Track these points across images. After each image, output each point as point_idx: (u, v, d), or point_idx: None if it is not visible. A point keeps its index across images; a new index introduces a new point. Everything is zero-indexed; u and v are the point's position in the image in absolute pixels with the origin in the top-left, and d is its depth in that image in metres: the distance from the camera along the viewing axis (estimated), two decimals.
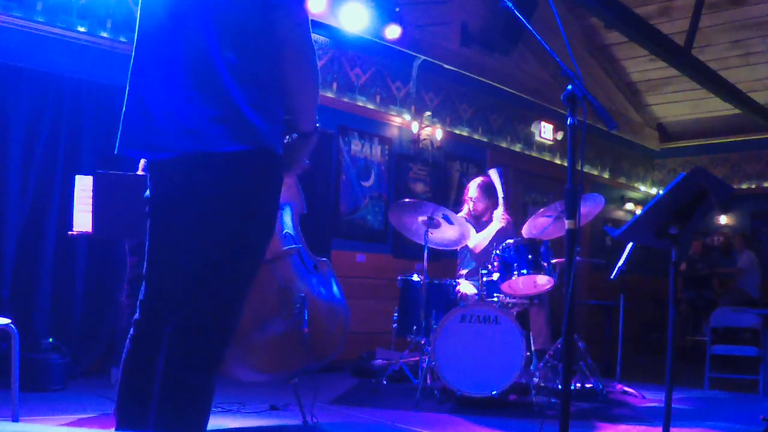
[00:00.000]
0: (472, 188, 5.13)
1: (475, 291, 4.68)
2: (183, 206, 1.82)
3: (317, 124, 1.95)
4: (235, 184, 1.75)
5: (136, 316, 1.94)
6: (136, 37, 1.88)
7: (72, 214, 3.91)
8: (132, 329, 1.93)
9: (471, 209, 5.10)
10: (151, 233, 1.93)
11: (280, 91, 1.83)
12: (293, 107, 1.87)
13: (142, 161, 3.76)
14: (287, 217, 3.41)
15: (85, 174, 4.01)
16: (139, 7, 1.90)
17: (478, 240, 4.89)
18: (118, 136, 1.85)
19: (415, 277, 4.74)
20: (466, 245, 4.88)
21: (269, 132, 1.77)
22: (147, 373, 1.82)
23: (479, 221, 5.08)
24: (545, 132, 8.88)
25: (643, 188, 11.16)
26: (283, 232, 3.35)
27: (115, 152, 1.87)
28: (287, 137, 1.93)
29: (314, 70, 1.83)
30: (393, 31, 6.23)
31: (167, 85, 1.76)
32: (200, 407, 1.80)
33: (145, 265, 1.94)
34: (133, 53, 1.86)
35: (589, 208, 4.57)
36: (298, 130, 1.93)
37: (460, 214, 5.11)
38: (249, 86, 1.75)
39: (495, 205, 5.03)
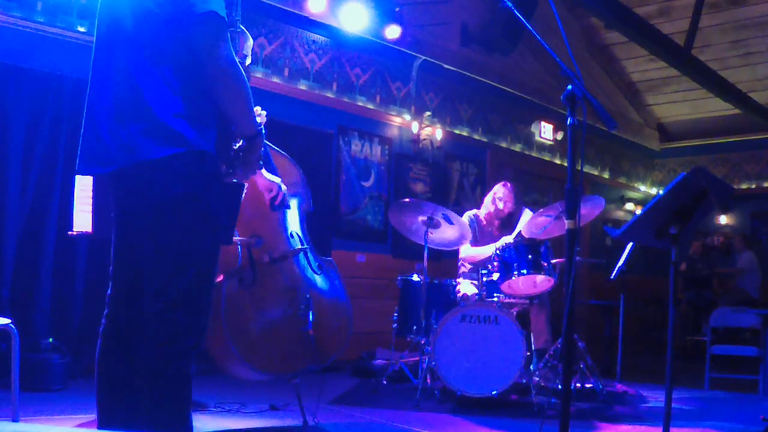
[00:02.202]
0: (504, 190, 5.06)
1: (475, 291, 4.67)
2: (132, 211, 2.01)
3: (260, 127, 2.09)
4: (171, 184, 1.92)
5: (106, 310, 2.10)
6: (91, 62, 2.05)
7: (72, 214, 3.91)
8: (102, 323, 2.09)
9: (496, 208, 5.06)
10: (114, 235, 2.10)
11: (209, 102, 1.97)
12: (228, 116, 2.01)
13: None
14: (293, 217, 3.42)
15: None
16: (95, 35, 2.06)
17: (474, 253, 4.91)
18: (78, 155, 2.03)
19: (415, 277, 4.73)
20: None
21: (197, 136, 1.92)
22: (120, 363, 2.01)
23: (494, 223, 5.05)
24: (545, 132, 8.89)
25: (643, 188, 11.17)
26: (289, 232, 3.35)
27: (76, 170, 2.06)
28: (236, 143, 2.09)
29: (237, 81, 1.95)
30: (393, 31, 6.23)
31: (108, 107, 1.95)
32: (178, 399, 1.94)
33: (111, 263, 2.09)
34: (90, 76, 2.03)
35: (589, 209, 4.57)
36: (242, 135, 2.07)
37: (478, 211, 5.12)
38: (176, 100, 1.90)
39: (518, 213, 5.03)
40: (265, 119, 2.28)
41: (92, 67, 2.03)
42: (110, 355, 2.05)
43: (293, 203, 3.41)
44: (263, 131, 2.11)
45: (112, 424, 1.96)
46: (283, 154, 3.45)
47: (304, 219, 3.50)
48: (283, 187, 3.18)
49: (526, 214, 4.72)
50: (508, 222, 5.08)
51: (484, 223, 5.09)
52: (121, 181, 2.01)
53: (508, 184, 5.14)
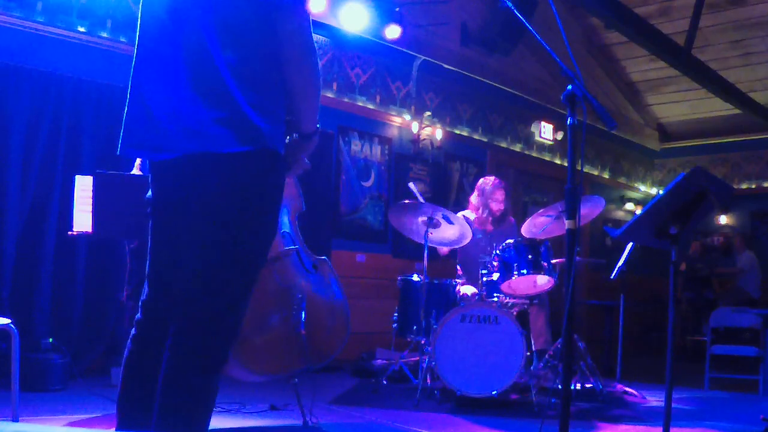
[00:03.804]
0: (498, 191, 5.05)
1: (475, 291, 4.68)
2: (186, 206, 1.83)
3: (318, 125, 1.96)
4: (239, 184, 1.77)
5: (138, 316, 1.94)
6: (137, 37, 1.89)
7: (72, 214, 3.91)
8: (134, 329, 1.94)
9: (495, 209, 5.04)
10: (154, 233, 1.94)
11: (281, 92, 1.84)
12: (294, 108, 1.88)
13: (138, 161, 3.76)
14: (285, 217, 3.41)
15: (85, 174, 4.00)
16: (140, 8, 1.90)
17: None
18: (121, 136, 1.86)
19: (415, 277, 4.74)
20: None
21: (271, 133, 1.78)
22: (149, 373, 1.83)
23: (487, 222, 5.06)
24: (545, 132, 8.88)
25: (643, 188, 11.16)
26: (281, 232, 3.34)
27: (118, 152, 1.88)
28: (288, 137, 1.94)
29: (315, 71, 1.84)
30: (393, 31, 6.23)
31: (170, 87, 1.77)
32: (202, 408, 1.80)
33: (147, 266, 1.95)
34: (135, 53, 1.87)
35: (589, 209, 4.58)
36: (299, 131, 1.94)
37: (469, 210, 5.13)
38: (251, 87, 1.76)
39: (509, 207, 5.06)
40: None
41: (143, 46, 1.86)
42: (141, 363, 1.90)
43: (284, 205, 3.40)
44: (320, 130, 1.98)
45: (133, 428, 1.88)
46: None
47: (297, 219, 3.49)
48: None
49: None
50: (501, 219, 5.09)
51: (476, 224, 5.09)
52: (176, 171, 1.83)
53: (497, 181, 5.12)
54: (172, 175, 1.87)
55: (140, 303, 1.95)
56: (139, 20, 1.91)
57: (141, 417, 1.85)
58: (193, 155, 1.76)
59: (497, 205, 5.04)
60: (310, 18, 1.80)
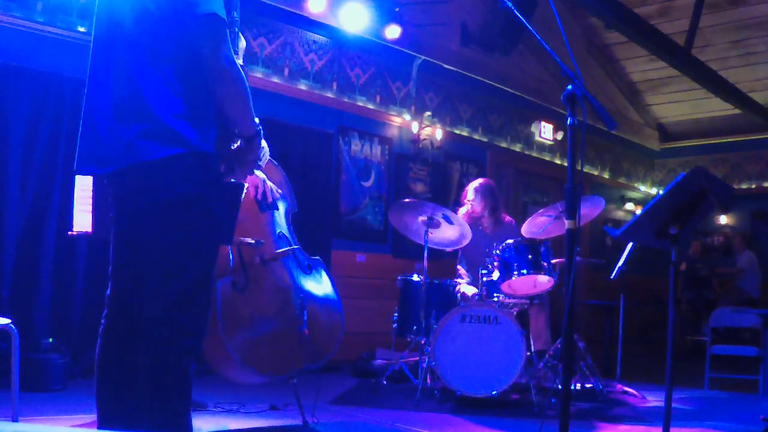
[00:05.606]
0: (470, 191, 5.12)
1: (475, 291, 4.68)
2: (131, 212, 2.01)
3: (259, 128, 2.09)
4: (171, 184, 1.93)
5: (105, 310, 2.10)
6: (89, 59, 2.05)
7: (72, 214, 3.91)
8: (102, 323, 2.10)
9: (470, 211, 5.11)
10: (113, 235, 2.10)
11: (210, 102, 1.98)
12: (227, 116, 2.02)
13: None
14: (280, 217, 3.41)
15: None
16: (92, 32, 2.06)
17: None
18: (76, 155, 2.03)
19: (415, 277, 4.74)
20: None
21: (198, 137, 1.93)
22: (119, 364, 2.01)
23: (477, 223, 5.08)
24: (545, 132, 8.88)
25: (643, 188, 11.17)
26: (277, 233, 3.33)
27: (74, 169, 2.06)
28: (234, 143, 2.09)
29: (237, 80, 1.96)
30: (393, 31, 6.23)
31: (106, 106, 1.95)
32: (180, 398, 1.95)
33: (110, 263, 2.09)
34: (87, 76, 2.04)
35: (589, 209, 4.58)
36: (240, 135, 2.08)
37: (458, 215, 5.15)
38: (177, 101, 1.91)
39: (494, 208, 5.07)
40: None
41: (90, 66, 2.04)
42: (110, 355, 2.05)
43: (280, 204, 3.40)
44: (261, 132, 2.11)
45: (112, 424, 1.96)
46: None
47: (290, 219, 3.49)
48: (269, 183, 3.18)
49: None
50: (497, 220, 5.10)
51: (470, 222, 5.10)
52: (121, 182, 2.01)
53: (476, 186, 5.13)
54: (119, 184, 2.03)
55: (105, 298, 2.10)
56: (91, 43, 2.06)
57: (119, 410, 1.98)
58: (131, 166, 1.93)
59: (473, 207, 5.06)
60: (227, 29, 1.92)
